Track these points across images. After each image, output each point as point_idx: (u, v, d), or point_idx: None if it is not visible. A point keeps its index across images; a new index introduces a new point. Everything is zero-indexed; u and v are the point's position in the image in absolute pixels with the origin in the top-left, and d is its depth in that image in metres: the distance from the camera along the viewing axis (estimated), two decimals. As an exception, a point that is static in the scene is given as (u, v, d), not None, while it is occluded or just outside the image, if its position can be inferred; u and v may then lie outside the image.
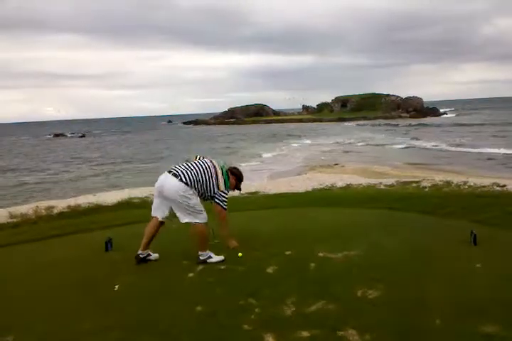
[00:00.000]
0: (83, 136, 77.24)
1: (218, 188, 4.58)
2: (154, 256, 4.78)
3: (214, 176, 4.57)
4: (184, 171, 4.47)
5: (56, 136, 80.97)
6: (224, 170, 4.71)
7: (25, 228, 7.12)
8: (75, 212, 8.36)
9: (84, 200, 9.81)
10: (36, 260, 5.10)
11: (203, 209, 4.54)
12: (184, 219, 4.50)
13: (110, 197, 10.04)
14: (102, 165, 30.24)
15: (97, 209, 8.67)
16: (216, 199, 4.62)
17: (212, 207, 4.73)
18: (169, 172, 4.48)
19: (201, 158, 4.71)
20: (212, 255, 4.60)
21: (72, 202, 9.63)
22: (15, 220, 7.85)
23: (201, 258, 4.56)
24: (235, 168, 4.97)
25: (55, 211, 8.49)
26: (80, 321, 3.40)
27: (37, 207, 8.92)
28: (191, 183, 4.43)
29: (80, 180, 23.21)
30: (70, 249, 5.51)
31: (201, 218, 4.51)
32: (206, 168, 4.57)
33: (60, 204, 9.17)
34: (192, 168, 4.53)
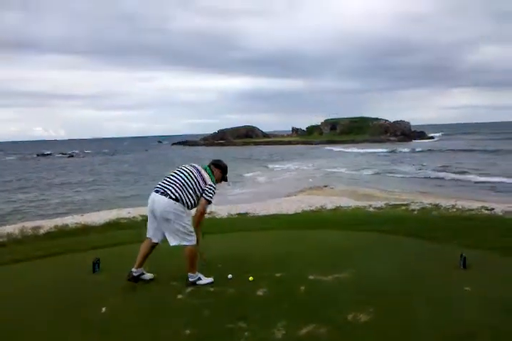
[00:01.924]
0: (71, 156, 76.84)
1: (205, 183, 4.54)
2: (148, 275, 4.72)
3: (199, 176, 4.54)
4: (170, 187, 4.45)
5: (43, 155, 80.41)
6: (206, 167, 4.73)
7: (11, 248, 6.98)
8: (62, 232, 8.25)
9: (71, 220, 9.68)
10: (22, 281, 4.99)
11: (192, 230, 4.51)
12: (173, 241, 4.46)
13: (98, 218, 9.92)
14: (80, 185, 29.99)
15: (85, 229, 8.57)
16: (204, 195, 4.52)
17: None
18: (157, 191, 4.47)
19: (181, 166, 4.69)
20: (202, 277, 4.56)
21: (59, 222, 9.50)
22: (0, 240, 7.71)
23: (190, 279, 4.52)
24: (217, 160, 4.90)
25: (42, 231, 8.36)
26: (65, 344, 3.32)
27: (23, 226, 8.78)
28: (181, 196, 4.41)
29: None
30: (56, 269, 5.40)
31: (190, 240, 4.47)
32: (189, 172, 4.55)
33: (47, 224, 9.03)
34: (175, 179, 4.50)
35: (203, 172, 4.61)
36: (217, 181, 4.76)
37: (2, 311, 4.06)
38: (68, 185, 31.00)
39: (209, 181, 4.57)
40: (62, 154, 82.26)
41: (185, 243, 4.45)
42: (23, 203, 22.33)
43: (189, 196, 4.47)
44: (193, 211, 4.66)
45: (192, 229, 4.50)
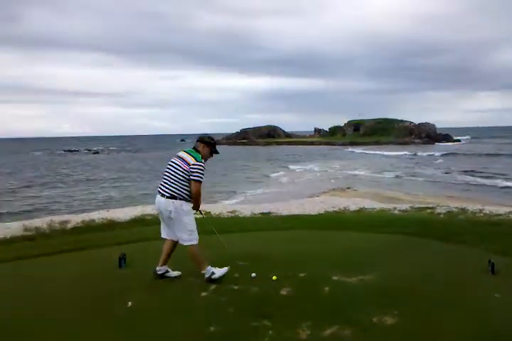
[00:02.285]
0: (97, 152, 78.23)
1: (189, 164, 4.46)
2: (174, 273, 4.78)
3: (183, 163, 4.49)
4: (166, 185, 4.52)
5: (70, 151, 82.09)
6: (188, 149, 4.66)
7: (39, 242, 7.16)
8: (89, 228, 8.41)
9: (97, 216, 9.85)
10: (50, 274, 5.11)
11: (194, 228, 4.55)
12: (182, 241, 4.56)
13: (123, 214, 10.08)
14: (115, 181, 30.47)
15: (111, 225, 8.71)
16: (191, 177, 4.45)
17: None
18: (158, 192, 4.57)
19: (170, 161, 4.68)
20: (215, 270, 4.59)
21: (86, 217, 9.69)
22: (29, 233, 7.90)
23: (206, 276, 4.56)
24: (201, 136, 4.77)
25: (69, 226, 8.54)
26: (92, 337, 3.39)
27: (51, 221, 8.98)
28: (176, 191, 4.46)
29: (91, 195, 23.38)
30: (83, 264, 5.51)
31: (191, 239, 4.52)
32: (174, 164, 4.55)
33: (74, 219, 9.21)
34: (167, 176, 4.55)
35: (184, 156, 4.55)
36: (205, 157, 4.64)
37: (30, 304, 4.16)
38: (94, 181, 31.59)
39: (192, 161, 4.48)
40: (88, 150, 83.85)
41: (184, 243, 4.54)
42: (51, 198, 22.86)
43: (184, 188, 4.48)
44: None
45: (193, 227, 4.54)
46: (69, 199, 22.50)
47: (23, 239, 7.44)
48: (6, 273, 5.24)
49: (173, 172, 4.51)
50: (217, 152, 4.77)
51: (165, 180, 4.55)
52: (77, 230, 8.18)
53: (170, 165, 4.58)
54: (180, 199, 4.46)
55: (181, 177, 4.46)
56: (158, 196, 4.55)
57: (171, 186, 4.49)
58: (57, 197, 23.37)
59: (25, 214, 16.42)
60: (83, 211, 14.51)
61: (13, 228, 8.52)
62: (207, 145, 4.65)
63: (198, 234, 4.61)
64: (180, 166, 4.49)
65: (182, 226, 4.49)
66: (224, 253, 5.10)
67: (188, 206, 4.53)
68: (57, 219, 9.27)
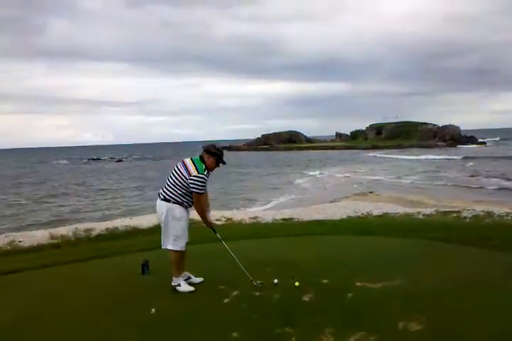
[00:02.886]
0: (120, 160, 79.45)
1: (190, 175, 4.44)
2: (197, 279, 4.79)
3: (185, 171, 4.48)
4: (164, 188, 4.56)
5: (93, 160, 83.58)
6: (195, 157, 4.61)
7: (65, 249, 7.29)
8: (113, 235, 8.53)
9: (121, 223, 9.99)
10: (75, 280, 5.20)
11: (181, 235, 4.54)
12: (166, 244, 4.60)
13: (146, 221, 10.19)
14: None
15: (134, 232, 8.82)
16: (191, 189, 4.46)
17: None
18: (158, 195, 4.63)
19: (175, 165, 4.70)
20: (183, 284, 4.60)
21: (109, 224, 9.83)
22: (55, 241, 8.06)
23: (173, 284, 4.61)
24: (208, 145, 4.68)
25: (94, 233, 8.68)
26: (117, 343, 3.42)
27: (76, 228, 9.15)
28: (172, 196, 4.49)
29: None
30: (107, 271, 5.59)
31: (176, 246, 4.54)
32: (177, 170, 4.55)
33: (98, 227, 9.36)
34: (168, 180, 4.58)
35: (188, 164, 4.53)
36: (210, 167, 4.58)
37: (54, 309, 4.24)
38: (117, 189, 32.06)
39: (194, 172, 4.44)
40: (111, 159, 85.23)
41: (170, 248, 4.56)
42: (76, 206, 23.26)
43: (179, 193, 4.48)
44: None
45: (181, 233, 4.53)
46: (93, 207, 22.88)
47: (50, 247, 7.59)
48: (34, 280, 5.35)
49: (172, 177, 4.56)
50: (223, 162, 4.67)
51: (165, 184, 4.61)
52: (101, 237, 8.31)
53: (173, 169, 4.62)
54: (173, 202, 4.49)
55: (178, 183, 4.49)
56: (158, 199, 4.63)
57: (167, 189, 4.55)
58: (82, 205, 23.78)
59: (51, 223, 16.76)
60: (107, 219, 14.73)
61: (39, 236, 8.71)
62: (212, 155, 4.58)
63: (187, 243, 4.64)
64: (181, 172, 4.51)
65: (169, 230, 4.53)
66: (246, 259, 5.08)
67: (182, 213, 4.53)
68: (82, 227, 9.45)
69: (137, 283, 4.91)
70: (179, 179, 4.49)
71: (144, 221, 10.61)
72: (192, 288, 4.58)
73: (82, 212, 20.96)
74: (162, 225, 4.61)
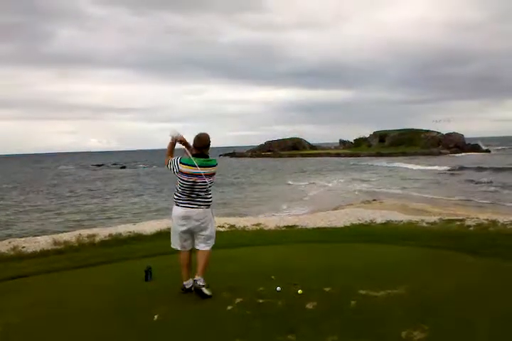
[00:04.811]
0: (124, 167, 79.65)
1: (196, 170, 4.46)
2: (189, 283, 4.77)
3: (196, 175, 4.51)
4: (198, 197, 4.59)
5: (98, 166, 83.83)
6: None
7: (68, 255, 7.31)
8: (116, 241, 8.55)
9: (124, 229, 10.02)
10: (78, 286, 5.21)
11: (172, 235, 4.71)
12: (198, 246, 4.71)
13: (149, 227, 10.21)
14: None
15: (137, 238, 8.84)
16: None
17: None
18: None
19: None
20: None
21: (113, 230, 9.86)
22: (59, 247, 8.09)
23: (201, 283, 4.58)
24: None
25: (97, 239, 8.70)
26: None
27: (80, 234, 9.18)
28: (209, 199, 4.63)
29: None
30: (111, 277, 5.60)
31: (212, 244, 4.68)
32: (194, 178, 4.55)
33: (102, 233, 9.39)
34: (195, 188, 4.58)
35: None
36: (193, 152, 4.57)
37: (56, 315, 4.24)
38: (121, 194, 32.11)
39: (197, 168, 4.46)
40: (115, 165, 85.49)
41: (210, 247, 4.69)
42: (82, 212, 23.32)
43: (209, 195, 4.61)
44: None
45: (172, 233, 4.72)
46: (97, 213, 22.91)
47: (53, 253, 7.62)
48: (36, 286, 5.36)
49: (197, 186, 4.61)
50: (203, 153, 4.62)
51: (194, 195, 4.63)
52: (104, 243, 8.33)
53: (191, 183, 4.62)
54: (208, 207, 4.65)
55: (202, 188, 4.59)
56: (190, 209, 4.62)
57: (203, 197, 4.62)
58: (86, 211, 23.83)
59: (54, 229, 16.80)
60: (110, 225, 14.76)
61: (42, 242, 8.74)
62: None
63: (177, 244, 4.73)
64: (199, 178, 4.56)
65: (207, 233, 4.67)
66: (249, 266, 5.08)
67: (173, 211, 4.63)
68: (85, 232, 9.48)
69: (140, 290, 4.90)
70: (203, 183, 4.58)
71: (148, 227, 10.63)
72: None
73: (86, 219, 20.97)
74: (195, 230, 4.62)
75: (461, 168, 44.67)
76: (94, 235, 9.06)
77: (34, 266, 6.39)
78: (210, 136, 4.63)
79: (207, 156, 4.60)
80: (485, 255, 5.89)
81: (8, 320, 4.15)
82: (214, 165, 4.61)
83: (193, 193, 4.54)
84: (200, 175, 4.47)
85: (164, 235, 8.98)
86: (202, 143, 4.56)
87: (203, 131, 4.66)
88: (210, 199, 4.63)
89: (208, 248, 4.66)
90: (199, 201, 4.56)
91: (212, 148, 4.74)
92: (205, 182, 4.52)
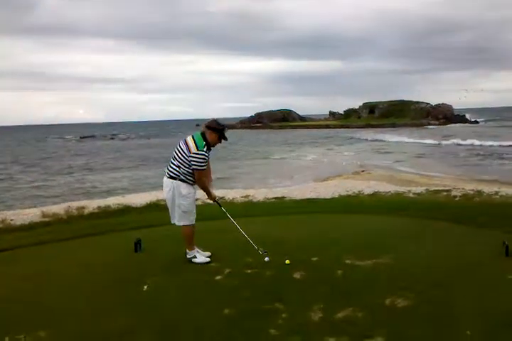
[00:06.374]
0: (112, 138, 78.81)
1: (190, 152, 4.50)
2: (206, 253, 4.88)
3: (186, 148, 4.55)
4: (169, 167, 4.67)
5: (85, 138, 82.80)
6: (197, 133, 4.66)
7: (57, 227, 7.31)
8: (105, 213, 8.53)
9: (113, 201, 9.97)
10: (66, 259, 5.22)
11: (190, 210, 4.66)
12: (173, 219, 4.77)
13: (138, 199, 10.18)
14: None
15: (126, 210, 8.83)
16: (192, 165, 4.52)
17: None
18: (165, 173, 4.74)
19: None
20: (198, 255, 4.76)
21: (102, 202, 9.83)
22: (47, 220, 8.06)
23: (187, 256, 4.78)
24: (209, 121, 4.69)
25: (86, 211, 8.67)
26: (110, 320, 3.48)
27: (68, 207, 9.13)
28: (177, 173, 4.59)
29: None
30: (100, 249, 5.63)
31: (186, 220, 4.68)
32: (179, 147, 4.64)
33: (91, 205, 9.35)
34: (172, 157, 4.68)
35: (189, 142, 4.57)
36: (213, 143, 4.62)
37: (47, 287, 4.28)
38: (109, 167, 31.87)
39: (193, 149, 4.49)
40: (103, 136, 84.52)
41: (181, 223, 4.70)
42: (71, 183, 23.19)
43: (183, 171, 4.57)
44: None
45: (189, 209, 4.65)
46: (86, 185, 22.79)
47: (42, 225, 7.59)
48: (25, 259, 5.37)
49: (176, 156, 4.64)
50: (225, 138, 4.68)
51: (170, 162, 4.71)
52: (93, 215, 8.31)
53: (176, 148, 4.69)
54: (179, 180, 4.59)
55: (181, 161, 4.58)
56: (164, 177, 4.73)
57: (172, 168, 4.64)
58: (74, 183, 23.69)
59: (43, 201, 16.72)
60: (100, 196, 14.72)
61: (31, 214, 8.69)
62: (214, 131, 4.60)
63: (195, 219, 4.74)
64: (182, 150, 4.59)
65: (176, 207, 4.66)
66: (238, 238, 5.12)
67: (187, 189, 4.61)
68: (74, 205, 9.43)
69: (130, 261, 4.96)
70: (181, 157, 4.57)
71: (137, 199, 10.60)
72: (208, 259, 4.75)
73: (74, 190, 20.87)
74: (169, 202, 4.73)
75: (447, 139, 44.97)
76: (83, 207, 9.03)
77: (23, 239, 6.38)
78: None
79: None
80: (470, 224, 6.00)
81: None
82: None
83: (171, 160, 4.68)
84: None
85: (154, 207, 9.01)
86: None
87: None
88: (175, 172, 4.60)
89: (178, 223, 4.74)
90: (168, 169, 4.66)
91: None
92: (182, 148, 4.56)
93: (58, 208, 9.30)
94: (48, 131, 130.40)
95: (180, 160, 4.57)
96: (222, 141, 4.69)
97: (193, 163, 4.50)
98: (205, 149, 4.54)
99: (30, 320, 3.55)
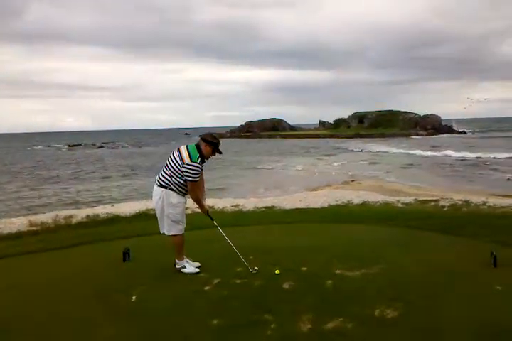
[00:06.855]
0: (101, 146, 78.36)
1: (183, 162, 4.50)
2: (195, 264, 4.84)
3: (179, 159, 4.54)
4: (160, 175, 4.66)
5: (74, 146, 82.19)
6: (192, 145, 4.66)
7: (44, 236, 7.24)
8: (94, 222, 8.49)
9: (102, 210, 9.93)
10: (55, 268, 5.17)
11: (179, 220, 4.64)
12: (162, 229, 4.74)
13: (128, 208, 10.15)
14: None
15: (115, 219, 8.79)
16: (184, 176, 4.51)
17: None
18: (155, 181, 4.71)
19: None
20: (187, 265, 4.74)
21: (90, 212, 9.76)
22: (35, 229, 7.98)
23: (177, 266, 4.76)
24: (205, 134, 4.74)
25: (74, 220, 8.61)
26: (98, 330, 3.44)
27: (56, 215, 9.06)
28: (169, 183, 4.56)
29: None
30: (88, 258, 5.57)
31: (176, 230, 4.66)
32: (172, 156, 4.63)
33: (79, 214, 9.29)
34: (164, 166, 4.66)
35: (182, 152, 4.58)
36: (207, 156, 4.64)
37: (35, 297, 4.22)
38: (97, 176, 31.65)
39: (187, 160, 4.50)
40: (92, 145, 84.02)
41: (171, 233, 4.68)
42: (59, 193, 22.93)
43: (174, 180, 4.56)
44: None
45: (179, 218, 4.64)
46: (74, 194, 22.58)
47: (29, 234, 7.52)
48: (13, 268, 5.30)
49: (168, 164, 4.63)
50: (219, 152, 4.72)
51: (162, 171, 4.69)
52: (81, 225, 8.26)
53: (169, 157, 4.68)
54: (169, 189, 4.57)
55: (173, 170, 4.56)
56: (155, 185, 4.71)
57: (164, 176, 4.62)
58: (61, 192, 23.45)
59: (30, 210, 16.52)
60: (88, 205, 14.61)
61: (18, 223, 8.60)
62: (209, 144, 4.63)
63: (184, 228, 4.72)
64: (176, 160, 4.58)
65: (165, 216, 4.64)
66: (227, 247, 5.12)
67: (177, 198, 4.61)
68: (62, 214, 9.36)
69: (118, 271, 4.91)
70: (174, 167, 4.56)
71: (127, 208, 10.56)
72: (197, 270, 4.71)
73: (62, 199, 20.66)
74: (158, 211, 4.70)
75: (435, 149, 45.22)
76: (71, 216, 8.96)
77: (8, 248, 6.30)
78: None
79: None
80: (457, 235, 6.06)
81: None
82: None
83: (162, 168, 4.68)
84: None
85: (143, 216, 8.97)
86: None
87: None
88: (166, 181, 4.58)
89: (168, 233, 4.71)
90: (159, 178, 4.64)
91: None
92: (175, 158, 4.56)
93: (46, 217, 9.23)
94: (36, 139, 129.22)
95: (173, 170, 4.56)
96: (217, 154, 4.72)
97: (185, 173, 4.51)
98: (198, 161, 4.55)
99: (17, 330, 3.49)
